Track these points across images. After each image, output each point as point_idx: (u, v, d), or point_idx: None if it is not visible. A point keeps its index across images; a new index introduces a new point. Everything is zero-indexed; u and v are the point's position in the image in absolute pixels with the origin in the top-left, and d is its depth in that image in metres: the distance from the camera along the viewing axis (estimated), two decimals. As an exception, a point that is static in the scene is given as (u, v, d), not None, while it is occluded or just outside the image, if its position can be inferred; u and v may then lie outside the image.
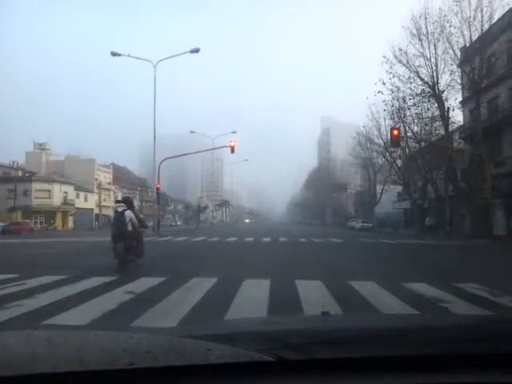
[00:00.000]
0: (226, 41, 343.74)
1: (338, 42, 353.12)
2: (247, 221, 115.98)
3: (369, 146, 47.39)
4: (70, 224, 61.58)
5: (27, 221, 49.46)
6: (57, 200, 58.85)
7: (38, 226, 54.88)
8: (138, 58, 33.17)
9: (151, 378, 0.89)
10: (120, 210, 10.09)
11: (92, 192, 67.17)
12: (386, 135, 36.86)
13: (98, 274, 8.65)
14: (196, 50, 31.22)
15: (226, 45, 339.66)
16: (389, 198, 50.05)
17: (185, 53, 31.75)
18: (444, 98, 28.64)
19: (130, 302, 5.87)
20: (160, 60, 32.60)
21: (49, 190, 58.63)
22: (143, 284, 7.51)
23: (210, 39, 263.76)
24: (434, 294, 6.81)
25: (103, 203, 67.50)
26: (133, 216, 10.05)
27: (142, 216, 14.04)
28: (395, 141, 24.23)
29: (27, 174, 60.60)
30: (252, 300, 6.00)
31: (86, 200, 66.39)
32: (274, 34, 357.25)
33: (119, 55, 31.41)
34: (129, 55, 31.94)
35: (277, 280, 7.92)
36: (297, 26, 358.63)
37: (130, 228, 9.79)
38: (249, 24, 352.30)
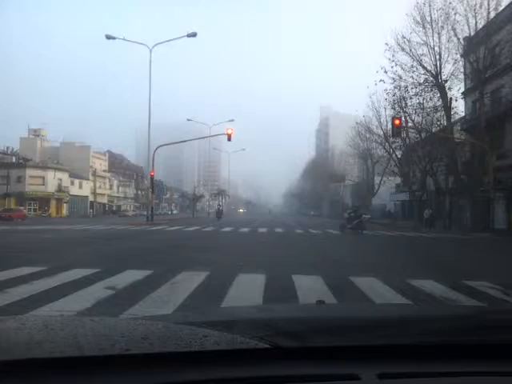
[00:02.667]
0: (224, 30, 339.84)
1: (340, 30, 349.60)
2: (241, 210, 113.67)
3: (368, 136, 46.77)
4: (65, 211, 60.90)
5: (20, 207, 48.76)
6: (51, 187, 58.10)
7: (32, 212, 54.21)
8: (133, 42, 32.42)
9: (147, 364, 0.89)
10: (219, 206, 48.16)
11: (87, 179, 66.38)
12: (387, 125, 36.33)
13: (79, 265, 8.05)
14: (193, 34, 30.38)
15: (225, 34, 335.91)
16: (387, 189, 49.59)
17: (182, 37, 30.96)
18: (447, 87, 27.99)
19: (108, 300, 5.26)
20: (156, 44, 31.79)
21: (43, 177, 57.88)
22: (127, 278, 6.92)
23: (208, 27, 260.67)
24: (444, 293, 6.26)
25: (98, 191, 66.80)
26: (221, 208, 47.51)
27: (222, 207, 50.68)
28: (396, 130, 23.60)
29: (21, 160, 59.68)
30: (245, 299, 5.42)
31: (80, 187, 65.66)
32: (274, 22, 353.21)
33: (114, 38, 30.55)
34: (124, 38, 31.04)
35: (273, 275, 7.36)
36: (297, 13, 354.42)
37: (223, 211, 47.71)
38: (249, 11, 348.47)
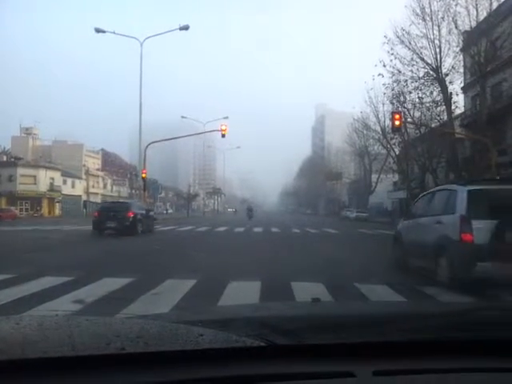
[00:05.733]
0: (220, 28, 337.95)
1: (336, 25, 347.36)
2: (230, 210, 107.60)
3: (365, 132, 45.95)
4: (57, 211, 59.80)
5: (10, 207, 47.65)
6: (43, 186, 56.98)
7: (24, 212, 53.12)
8: (123, 36, 31.48)
9: (143, 363, 0.89)
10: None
11: (80, 178, 65.27)
12: (385, 121, 35.60)
13: (51, 272, 7.16)
14: (185, 27, 29.43)
15: (221, 32, 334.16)
16: (384, 187, 48.87)
17: (174, 30, 30.02)
18: (447, 81, 27.21)
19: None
20: (147, 37, 30.86)
21: (34, 176, 56.75)
22: (102, 287, 6.04)
23: (204, 26, 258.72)
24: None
25: (91, 190, 65.72)
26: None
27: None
28: (396, 126, 22.75)
29: (12, 159, 58.56)
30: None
31: (73, 186, 64.53)
32: (270, 20, 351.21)
33: (104, 32, 29.61)
34: (114, 32, 30.09)
35: (269, 282, 6.52)
36: (294, 10, 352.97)
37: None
38: (244, 9, 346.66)
